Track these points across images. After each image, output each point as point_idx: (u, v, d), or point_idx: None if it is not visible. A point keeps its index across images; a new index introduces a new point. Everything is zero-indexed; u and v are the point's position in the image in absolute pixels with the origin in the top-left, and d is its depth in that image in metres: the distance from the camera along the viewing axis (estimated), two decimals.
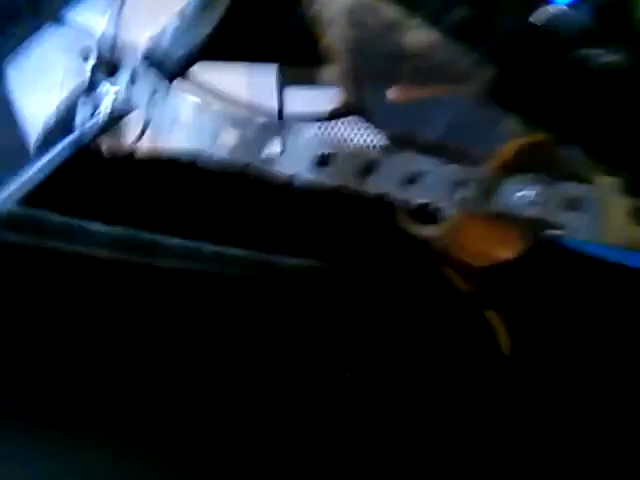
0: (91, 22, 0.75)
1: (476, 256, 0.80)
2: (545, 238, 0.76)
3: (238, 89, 0.74)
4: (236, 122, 0.68)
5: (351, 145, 0.70)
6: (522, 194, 0.76)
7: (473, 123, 0.77)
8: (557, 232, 0.76)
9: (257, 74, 0.83)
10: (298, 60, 0.79)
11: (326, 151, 0.69)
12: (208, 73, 0.74)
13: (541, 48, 0.71)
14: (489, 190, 0.74)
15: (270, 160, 0.69)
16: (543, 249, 0.78)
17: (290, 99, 0.84)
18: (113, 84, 0.73)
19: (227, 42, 0.75)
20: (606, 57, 0.71)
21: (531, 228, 0.77)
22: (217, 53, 0.75)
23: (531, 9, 0.68)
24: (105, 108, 0.73)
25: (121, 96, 0.73)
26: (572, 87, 0.72)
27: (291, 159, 0.69)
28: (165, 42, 0.74)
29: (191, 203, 0.71)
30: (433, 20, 0.71)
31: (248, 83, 0.80)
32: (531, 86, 0.73)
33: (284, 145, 0.68)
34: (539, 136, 0.76)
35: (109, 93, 0.73)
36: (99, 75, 0.74)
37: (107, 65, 0.74)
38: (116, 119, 0.73)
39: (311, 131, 0.68)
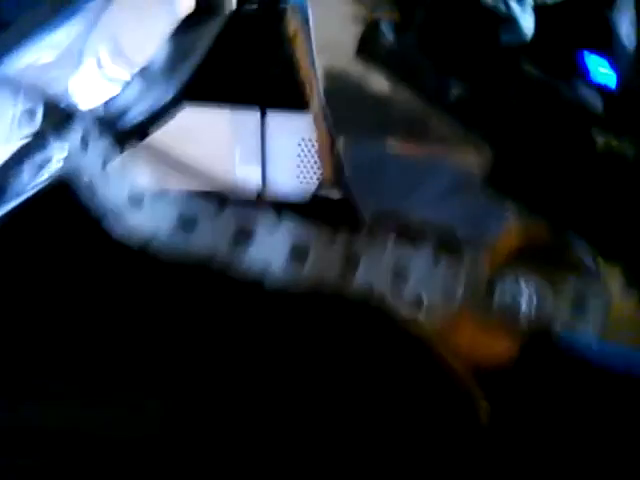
0: (40, 74, 0.67)
1: (470, 352, 0.72)
2: (541, 336, 0.69)
3: (220, 132, 0.66)
4: (201, 209, 0.59)
5: (330, 233, 0.62)
6: (520, 292, 0.68)
7: (468, 207, 0.70)
8: (556, 330, 0.69)
9: (240, 117, 0.76)
10: (280, 103, 0.71)
11: (303, 241, 0.61)
12: (190, 115, 0.67)
13: (543, 131, 0.64)
14: (485, 288, 0.67)
15: (239, 251, 0.61)
16: (537, 346, 0.70)
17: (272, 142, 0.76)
18: (61, 146, 0.65)
19: (209, 85, 0.67)
20: (612, 144, 0.64)
21: (529, 326, 0.69)
22: (199, 96, 0.67)
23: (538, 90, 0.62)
24: (51, 171, 0.64)
25: (70, 161, 0.64)
26: (575, 173, 0.65)
27: (263, 250, 0.61)
28: (123, 104, 0.66)
29: (145, 301, 0.62)
30: (429, 97, 0.63)
31: (230, 126, 0.73)
32: (531, 171, 0.66)
33: (255, 234, 0.60)
34: (539, 226, 0.69)
35: (57, 156, 0.64)
36: (46, 133, 0.65)
37: (55, 123, 0.65)
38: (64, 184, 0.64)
39: (286, 219, 0.60)
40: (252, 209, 0.59)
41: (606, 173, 0.65)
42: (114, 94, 0.65)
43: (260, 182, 0.72)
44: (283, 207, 0.65)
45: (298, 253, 0.62)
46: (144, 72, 0.65)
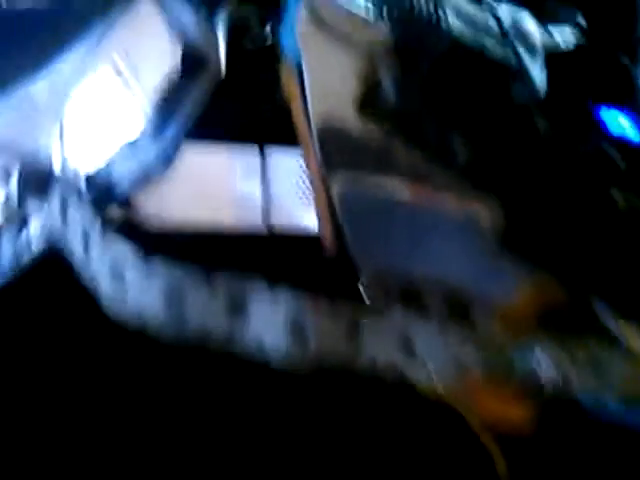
0: (16, 129, 0.63)
1: (487, 420, 0.67)
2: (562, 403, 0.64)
3: (220, 171, 0.62)
4: (189, 281, 0.55)
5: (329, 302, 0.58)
6: (538, 359, 0.64)
7: (477, 263, 0.65)
8: (577, 398, 0.64)
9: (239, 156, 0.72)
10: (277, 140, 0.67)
11: (301, 313, 0.56)
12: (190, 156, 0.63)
13: (559, 189, 0.60)
14: (499, 356, 0.62)
15: (233, 324, 0.56)
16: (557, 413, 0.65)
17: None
18: (39, 215, 0.60)
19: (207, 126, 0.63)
20: (634, 202, 0.60)
21: (548, 394, 0.64)
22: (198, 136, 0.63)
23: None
24: (30, 243, 0.60)
25: (50, 229, 0.59)
26: (594, 231, 0.61)
27: (258, 324, 0.57)
28: (106, 170, 0.62)
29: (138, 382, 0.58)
30: (435, 158, 0.59)
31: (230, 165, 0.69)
32: (547, 230, 0.61)
33: (249, 306, 0.56)
34: (556, 287, 0.64)
35: (35, 222, 0.60)
36: (23, 196, 0.61)
37: (33, 185, 0.61)
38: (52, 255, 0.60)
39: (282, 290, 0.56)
40: (244, 278, 0.55)
41: (627, 232, 0.60)
42: (95, 155, 0.61)
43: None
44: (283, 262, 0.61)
45: (296, 326, 0.57)
46: (128, 133, 0.61)
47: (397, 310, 0.57)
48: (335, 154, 0.60)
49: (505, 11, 0.64)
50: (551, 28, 0.63)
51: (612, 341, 0.63)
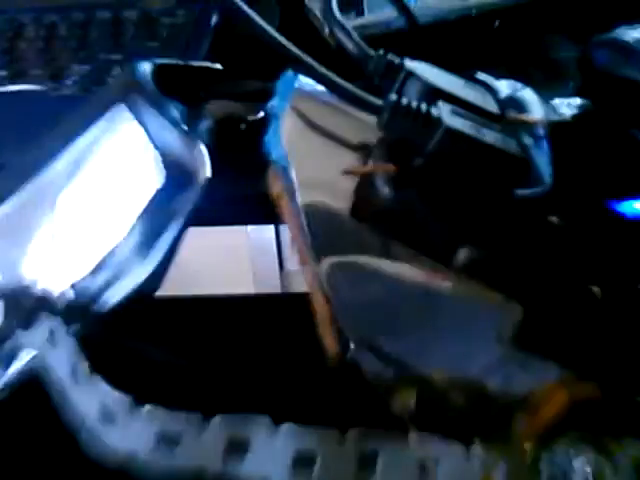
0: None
1: None
2: None
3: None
4: (184, 422, 0.51)
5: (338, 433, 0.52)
6: (572, 467, 0.58)
7: (495, 355, 0.60)
8: None
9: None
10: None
11: (307, 447, 0.51)
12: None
13: (584, 287, 0.54)
14: (530, 467, 0.56)
15: (233, 465, 0.52)
16: None
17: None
18: (28, 341, 0.57)
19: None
20: None
21: None
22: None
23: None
24: (19, 368, 0.56)
25: (39, 359, 0.56)
26: (626, 328, 0.55)
27: (261, 462, 0.52)
28: (93, 289, 0.58)
29: None
30: (436, 258, 0.54)
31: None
32: (572, 326, 0.56)
33: (250, 444, 0.51)
34: (587, 384, 0.58)
35: (24, 352, 0.56)
36: (10, 325, 0.57)
37: (20, 313, 0.57)
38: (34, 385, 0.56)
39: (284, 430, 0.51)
40: (244, 415, 0.50)
41: None
42: (82, 276, 0.57)
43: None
44: None
45: (303, 462, 0.52)
46: (115, 253, 0.57)
47: (413, 433, 0.52)
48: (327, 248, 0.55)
49: (503, 86, 0.60)
50: (555, 101, 0.59)
51: None
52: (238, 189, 0.60)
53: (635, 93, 0.53)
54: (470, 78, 0.60)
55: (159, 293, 0.61)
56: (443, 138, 0.52)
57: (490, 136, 0.54)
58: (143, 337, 0.61)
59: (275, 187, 0.56)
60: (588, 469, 0.58)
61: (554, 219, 0.52)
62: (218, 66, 0.64)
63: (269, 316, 0.62)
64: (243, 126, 0.59)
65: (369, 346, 0.55)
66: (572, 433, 0.59)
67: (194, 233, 0.60)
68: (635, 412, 0.59)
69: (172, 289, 0.61)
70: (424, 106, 0.53)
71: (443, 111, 0.53)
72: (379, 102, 0.53)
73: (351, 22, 0.65)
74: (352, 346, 0.56)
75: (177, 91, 0.60)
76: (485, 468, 0.54)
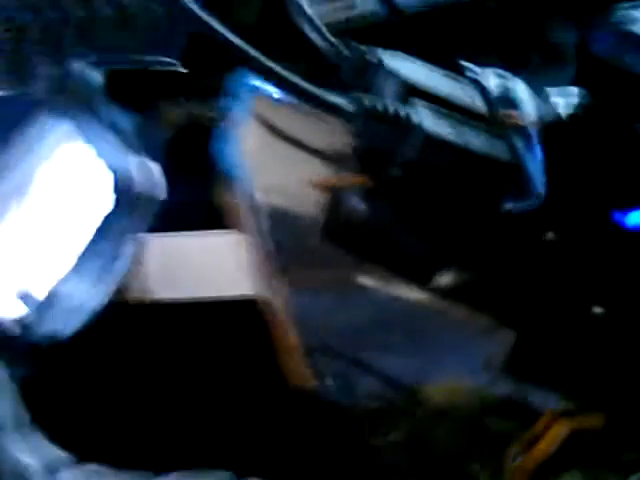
0: None
1: None
2: None
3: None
4: None
5: None
6: None
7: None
8: None
9: None
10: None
11: None
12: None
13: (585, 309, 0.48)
14: None
15: None
16: None
17: None
18: None
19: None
20: None
21: None
22: None
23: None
24: None
25: None
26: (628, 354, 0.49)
27: None
28: (38, 328, 0.52)
29: None
30: (418, 282, 0.48)
31: None
32: (571, 353, 0.50)
33: None
34: (588, 417, 0.52)
35: None
36: None
37: None
38: None
39: None
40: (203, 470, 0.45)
41: None
42: (28, 311, 0.52)
43: None
44: None
45: None
46: (64, 284, 0.51)
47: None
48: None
49: (492, 80, 0.53)
50: (550, 93, 0.52)
51: None
52: (196, 196, 0.54)
53: (636, 86, 0.47)
54: (458, 71, 0.54)
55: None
56: (422, 145, 0.46)
57: (475, 140, 0.48)
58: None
59: (230, 202, 0.50)
60: None
61: (549, 234, 0.46)
62: (178, 68, 0.58)
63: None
64: (203, 131, 0.53)
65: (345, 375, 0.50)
66: (572, 470, 0.54)
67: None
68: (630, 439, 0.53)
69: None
70: (401, 110, 0.47)
71: (422, 114, 0.47)
72: (350, 107, 0.47)
73: (329, 11, 0.59)
74: (326, 379, 0.50)
75: (132, 99, 0.54)
76: None
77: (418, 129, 0.46)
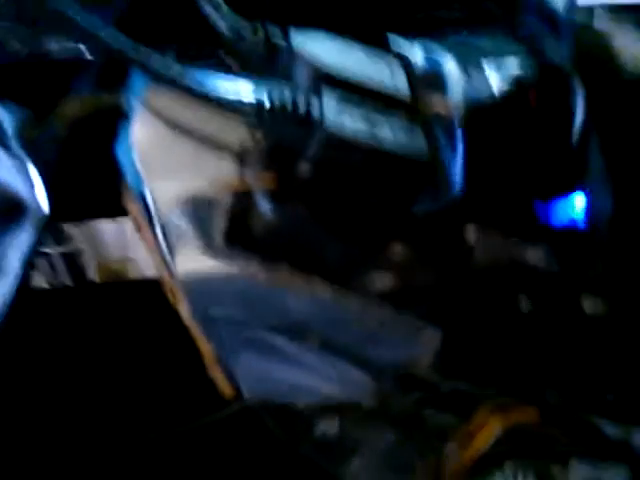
0: None
1: None
2: None
3: None
4: None
5: None
6: None
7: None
8: None
9: None
10: None
11: None
12: None
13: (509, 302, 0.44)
14: None
15: None
16: None
17: None
18: None
19: None
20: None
21: None
22: None
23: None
24: None
25: None
26: (561, 344, 0.45)
27: None
28: None
29: None
30: (334, 281, 0.44)
31: None
32: (501, 348, 0.46)
33: None
34: (522, 411, 0.49)
35: None
36: None
37: None
38: None
39: None
40: None
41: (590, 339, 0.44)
42: None
43: None
44: None
45: None
46: None
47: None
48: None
49: (418, 55, 0.47)
50: (486, 66, 0.46)
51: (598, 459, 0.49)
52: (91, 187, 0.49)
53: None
54: (383, 47, 0.48)
55: None
56: (326, 142, 0.41)
57: (389, 133, 0.42)
58: None
59: (133, 211, 0.45)
60: None
61: (469, 231, 0.41)
62: (85, 56, 0.52)
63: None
64: (103, 124, 0.47)
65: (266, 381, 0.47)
66: (510, 463, 0.51)
67: None
68: (579, 432, 0.51)
69: None
70: (307, 102, 0.41)
71: (327, 106, 0.41)
72: (248, 101, 0.42)
73: None
74: (244, 386, 0.47)
75: (22, 94, 0.48)
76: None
77: (322, 125, 0.41)
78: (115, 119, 0.48)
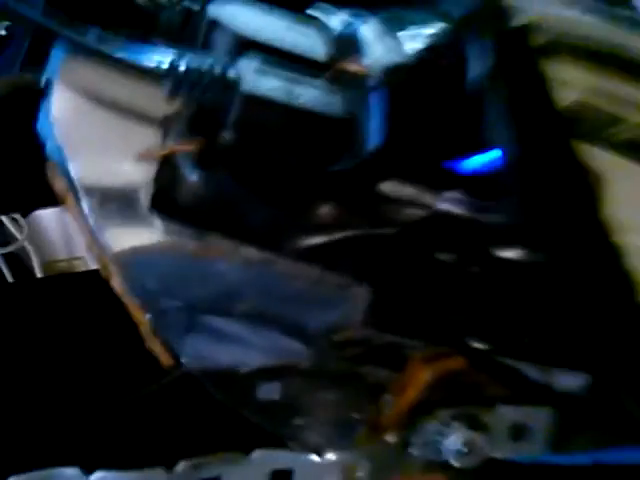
0: None
1: None
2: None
3: None
4: None
5: None
6: (448, 439, 0.52)
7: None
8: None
9: None
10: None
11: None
12: None
13: (432, 258, 0.46)
14: (401, 436, 0.50)
15: None
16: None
17: None
18: None
19: None
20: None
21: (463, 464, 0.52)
22: None
23: None
24: None
25: None
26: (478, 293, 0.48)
27: None
28: None
29: None
30: (263, 245, 0.45)
31: None
32: (426, 302, 0.48)
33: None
34: (449, 360, 0.51)
35: None
36: None
37: None
38: None
39: None
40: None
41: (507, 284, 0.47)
42: None
43: None
44: None
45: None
46: None
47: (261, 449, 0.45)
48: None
49: (338, 22, 0.48)
50: (402, 33, 0.48)
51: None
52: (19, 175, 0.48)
53: None
54: (302, 13, 0.49)
55: None
56: (245, 105, 0.42)
57: (307, 95, 0.43)
58: None
59: (56, 183, 0.45)
60: (460, 444, 0.52)
61: (386, 185, 0.43)
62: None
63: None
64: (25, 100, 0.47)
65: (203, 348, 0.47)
66: (441, 410, 0.53)
67: None
68: (504, 377, 0.53)
69: None
70: (224, 67, 0.42)
71: (246, 70, 0.42)
72: (168, 68, 0.42)
73: None
74: (182, 353, 0.47)
75: None
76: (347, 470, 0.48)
77: (239, 87, 0.41)
78: (35, 97, 0.47)
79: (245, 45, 0.44)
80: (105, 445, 0.47)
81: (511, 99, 0.42)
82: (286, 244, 0.44)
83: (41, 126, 0.44)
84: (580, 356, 0.52)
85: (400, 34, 0.47)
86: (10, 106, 0.50)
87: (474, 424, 0.50)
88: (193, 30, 0.44)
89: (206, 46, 0.45)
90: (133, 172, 0.43)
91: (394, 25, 0.47)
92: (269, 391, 0.49)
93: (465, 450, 0.51)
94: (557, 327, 0.50)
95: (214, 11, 0.45)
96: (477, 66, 0.41)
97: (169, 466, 0.43)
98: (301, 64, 0.45)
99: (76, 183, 0.43)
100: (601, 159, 0.46)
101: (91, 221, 0.42)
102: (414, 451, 0.50)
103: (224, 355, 0.48)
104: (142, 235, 0.44)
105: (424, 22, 0.47)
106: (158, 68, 0.42)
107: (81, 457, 0.43)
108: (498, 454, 0.53)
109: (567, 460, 0.57)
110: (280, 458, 0.45)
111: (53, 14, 0.39)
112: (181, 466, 0.43)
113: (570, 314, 0.49)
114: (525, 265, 0.46)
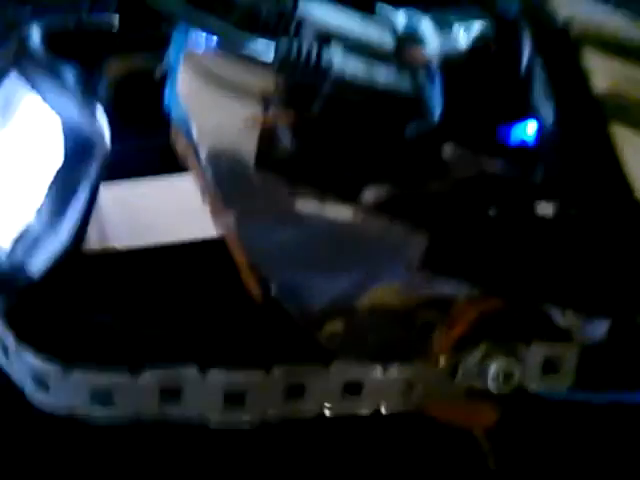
0: None
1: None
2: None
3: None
4: (115, 379, 0.52)
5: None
6: (488, 369, 0.61)
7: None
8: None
9: None
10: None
11: (237, 386, 0.53)
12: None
13: (481, 212, 0.55)
14: (447, 369, 0.59)
15: (168, 409, 0.54)
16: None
17: None
18: None
19: None
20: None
21: (502, 394, 0.61)
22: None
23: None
24: None
25: None
26: (523, 246, 0.57)
27: (194, 405, 0.54)
28: (11, 264, 0.57)
29: None
30: (342, 197, 0.54)
31: None
32: (475, 250, 0.57)
33: (183, 391, 0.53)
34: (492, 301, 0.60)
35: None
36: None
37: None
38: None
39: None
40: (174, 366, 0.52)
41: (557, 241, 0.56)
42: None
43: None
44: None
45: (233, 399, 0.54)
46: (29, 227, 0.55)
47: (338, 361, 0.54)
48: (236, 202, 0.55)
49: (401, 19, 0.58)
50: (455, 29, 0.57)
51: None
52: (144, 142, 0.58)
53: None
54: (370, 12, 0.58)
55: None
56: (335, 82, 0.51)
57: (383, 76, 0.53)
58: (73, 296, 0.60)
59: (179, 145, 0.55)
60: (500, 370, 0.61)
61: (447, 149, 0.52)
62: (115, 20, 0.61)
63: (197, 262, 0.63)
64: (145, 81, 0.57)
65: (290, 286, 0.57)
66: (485, 343, 0.62)
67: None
68: (538, 319, 0.62)
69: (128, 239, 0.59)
70: (314, 51, 0.52)
71: (334, 54, 0.52)
72: (270, 52, 0.52)
73: None
74: (273, 288, 0.57)
75: (72, 53, 0.57)
76: (405, 383, 0.57)
77: (330, 69, 0.51)
78: (154, 76, 0.58)
79: (326, 37, 0.54)
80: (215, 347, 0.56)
81: (553, 84, 0.51)
82: (360, 198, 0.54)
83: (168, 98, 0.54)
84: (606, 304, 0.60)
85: (453, 28, 0.56)
86: (133, 86, 0.60)
87: (511, 356, 0.59)
88: (286, 26, 0.54)
89: (297, 36, 0.55)
90: (241, 136, 0.53)
91: (445, 21, 0.56)
92: (333, 326, 0.58)
93: (502, 378, 0.60)
94: (586, 276, 0.59)
95: (302, 10, 0.55)
96: (523, 56, 0.51)
97: (266, 370, 0.52)
98: (374, 53, 0.55)
99: (196, 143, 0.53)
100: (628, 139, 0.55)
101: (209, 176, 0.52)
102: (460, 379, 0.59)
103: (305, 292, 0.58)
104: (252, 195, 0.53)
105: (470, 17, 0.56)
106: (264, 54, 0.52)
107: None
108: (531, 385, 0.62)
109: (591, 398, 0.65)
110: (353, 372, 0.55)
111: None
112: (276, 371, 0.53)
113: (597, 264, 0.58)
114: (560, 220, 0.55)
